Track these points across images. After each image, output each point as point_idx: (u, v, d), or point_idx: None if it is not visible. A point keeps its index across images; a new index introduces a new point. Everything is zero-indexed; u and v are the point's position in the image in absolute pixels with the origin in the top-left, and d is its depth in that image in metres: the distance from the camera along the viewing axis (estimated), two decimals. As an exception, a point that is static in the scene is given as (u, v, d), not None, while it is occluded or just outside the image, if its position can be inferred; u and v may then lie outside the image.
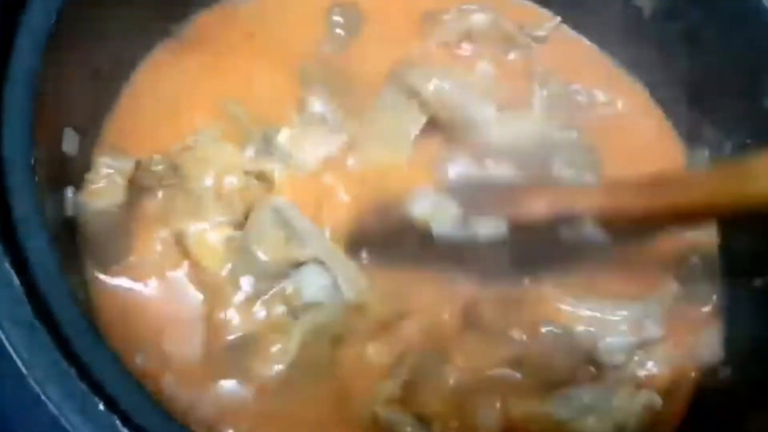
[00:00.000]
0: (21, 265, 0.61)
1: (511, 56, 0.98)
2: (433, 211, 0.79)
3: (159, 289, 0.79)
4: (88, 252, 0.77)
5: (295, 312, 0.78)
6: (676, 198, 0.73)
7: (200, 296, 0.79)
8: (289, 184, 0.82)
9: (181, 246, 0.80)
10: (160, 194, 0.81)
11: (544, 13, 1.02)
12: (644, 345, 0.83)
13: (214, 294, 0.79)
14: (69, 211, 0.75)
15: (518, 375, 0.81)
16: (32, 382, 0.57)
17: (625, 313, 0.84)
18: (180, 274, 0.80)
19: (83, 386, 0.58)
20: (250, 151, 0.85)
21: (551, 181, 0.86)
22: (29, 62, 0.69)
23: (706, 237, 0.91)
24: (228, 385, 0.76)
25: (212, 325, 0.78)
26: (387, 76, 0.90)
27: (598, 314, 0.83)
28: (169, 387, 0.75)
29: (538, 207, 0.78)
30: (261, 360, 0.77)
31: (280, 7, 0.96)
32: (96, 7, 0.79)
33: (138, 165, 0.79)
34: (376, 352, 0.80)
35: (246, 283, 0.79)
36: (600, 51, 1.02)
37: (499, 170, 0.86)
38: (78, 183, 0.76)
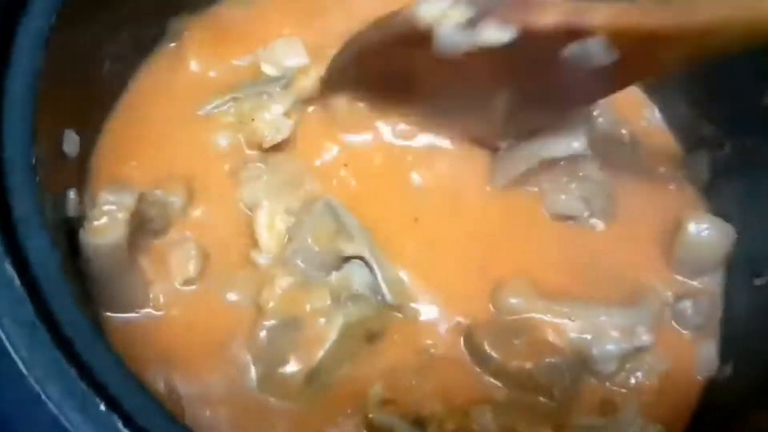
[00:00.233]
0: (22, 265, 0.61)
1: None
2: (441, 13, 0.77)
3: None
4: (96, 294, 0.77)
5: (338, 302, 0.80)
6: (687, 17, 0.70)
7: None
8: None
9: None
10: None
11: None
12: (636, 352, 0.83)
13: (263, 277, 0.80)
14: (70, 212, 0.75)
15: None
16: (32, 382, 0.57)
17: (616, 318, 0.84)
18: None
19: (83, 386, 0.58)
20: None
21: None
22: (29, 62, 0.69)
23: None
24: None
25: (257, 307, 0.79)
26: None
27: (591, 319, 0.83)
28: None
29: (550, 16, 0.75)
30: (300, 345, 0.78)
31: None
32: (96, 7, 0.79)
33: (141, 198, 0.78)
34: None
35: (295, 268, 0.80)
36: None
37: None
38: (79, 185, 0.77)
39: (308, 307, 0.79)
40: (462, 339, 0.82)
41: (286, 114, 0.88)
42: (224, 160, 0.87)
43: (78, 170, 0.79)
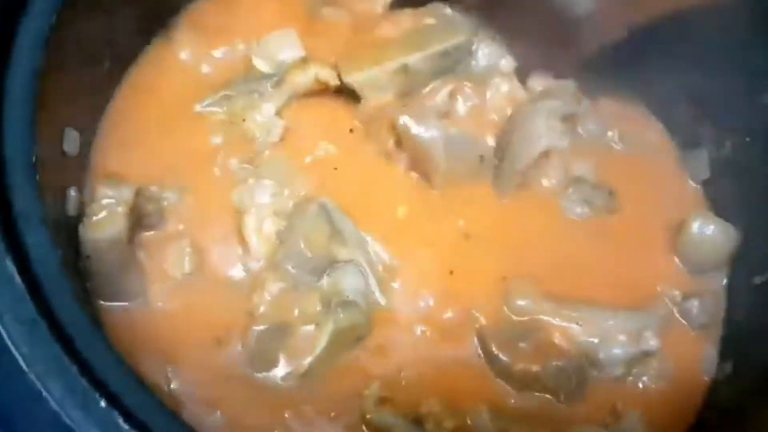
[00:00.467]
0: (22, 262, 0.61)
1: None
2: None
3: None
4: (95, 287, 0.77)
5: (328, 308, 0.79)
6: None
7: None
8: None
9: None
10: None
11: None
12: (643, 356, 0.83)
13: (254, 281, 0.80)
14: (71, 211, 0.76)
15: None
16: (33, 378, 0.57)
17: (624, 323, 0.84)
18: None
19: (84, 382, 0.58)
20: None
21: None
22: (29, 62, 0.69)
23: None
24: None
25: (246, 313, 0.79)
26: None
27: (598, 323, 0.83)
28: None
29: None
30: (290, 350, 0.78)
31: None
32: (95, 7, 0.79)
33: (138, 192, 0.79)
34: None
35: (285, 273, 0.80)
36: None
37: None
38: (79, 183, 0.77)
39: (298, 312, 0.79)
40: (476, 339, 0.82)
41: (278, 114, 0.88)
42: (216, 158, 0.87)
43: (78, 168, 0.79)
